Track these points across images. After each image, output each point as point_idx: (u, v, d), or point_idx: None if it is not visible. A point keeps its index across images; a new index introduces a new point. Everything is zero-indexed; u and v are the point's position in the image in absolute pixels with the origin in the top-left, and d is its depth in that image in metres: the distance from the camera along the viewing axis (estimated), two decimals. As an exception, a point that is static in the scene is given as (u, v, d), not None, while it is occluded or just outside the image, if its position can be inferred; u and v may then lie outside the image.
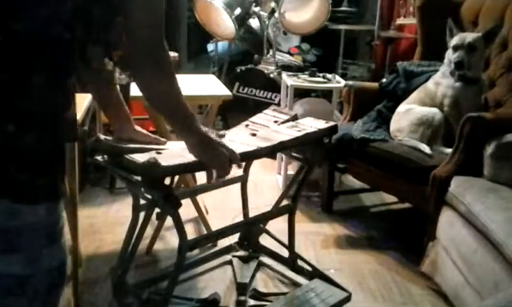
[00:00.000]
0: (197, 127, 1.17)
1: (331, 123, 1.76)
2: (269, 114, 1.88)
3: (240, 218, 2.06)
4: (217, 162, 1.22)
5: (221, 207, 2.60)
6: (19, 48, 0.80)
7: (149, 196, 1.44)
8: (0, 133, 0.79)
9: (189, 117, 1.16)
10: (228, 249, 2.09)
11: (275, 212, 1.93)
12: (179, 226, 1.44)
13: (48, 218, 0.89)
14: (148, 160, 1.23)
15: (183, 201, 1.40)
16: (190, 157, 1.25)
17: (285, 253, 2.01)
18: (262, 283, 2.00)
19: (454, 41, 2.26)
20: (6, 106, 0.80)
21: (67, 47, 0.87)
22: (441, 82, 2.32)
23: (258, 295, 1.86)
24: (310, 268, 1.94)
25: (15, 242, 0.85)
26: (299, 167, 1.94)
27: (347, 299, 1.81)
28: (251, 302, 1.82)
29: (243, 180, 2.07)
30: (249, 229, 2.02)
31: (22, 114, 0.81)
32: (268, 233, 2.03)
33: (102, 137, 1.42)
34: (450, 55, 2.27)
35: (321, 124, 1.75)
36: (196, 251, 2.02)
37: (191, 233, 2.40)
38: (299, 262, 1.97)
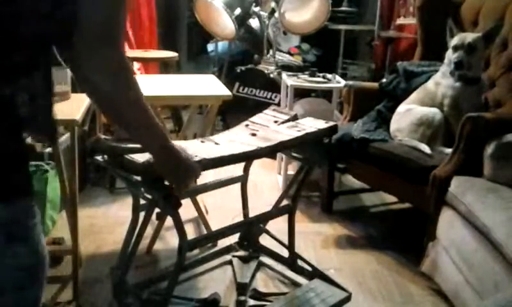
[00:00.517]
0: (162, 141, 1.04)
1: (331, 123, 1.76)
2: (269, 114, 1.88)
3: (240, 218, 2.06)
4: (181, 177, 1.16)
5: (221, 207, 2.60)
6: None
7: (149, 196, 1.44)
8: None
9: (151, 128, 1.00)
10: (228, 249, 2.09)
11: (275, 212, 1.93)
12: (179, 226, 1.44)
13: (6, 216, 0.85)
14: (147, 160, 1.23)
15: (183, 201, 1.40)
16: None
17: (285, 253, 2.01)
18: (262, 283, 2.00)
19: (454, 41, 2.26)
20: None
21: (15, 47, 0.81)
22: (441, 82, 2.32)
23: (258, 295, 1.86)
24: (310, 269, 1.94)
25: None
26: (299, 168, 1.94)
27: (347, 299, 1.81)
28: (251, 302, 1.82)
29: (243, 180, 2.07)
30: (249, 229, 2.02)
31: None
32: (268, 233, 2.04)
33: (102, 137, 1.41)
34: (450, 55, 2.27)
35: (321, 124, 1.75)
36: (196, 251, 2.03)
37: (190, 233, 2.40)
38: (299, 262, 1.97)
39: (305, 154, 1.81)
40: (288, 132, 1.65)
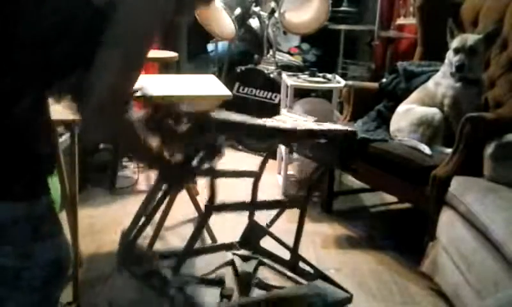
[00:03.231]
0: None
1: (352, 128, 1.80)
2: (286, 115, 1.90)
3: (244, 214, 2.04)
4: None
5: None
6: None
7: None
8: None
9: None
10: (229, 247, 2.09)
11: (288, 202, 1.91)
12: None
13: (31, 214, 0.92)
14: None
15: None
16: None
17: (286, 254, 2.00)
18: (264, 280, 1.99)
19: (455, 43, 2.26)
20: None
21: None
22: (441, 82, 2.32)
23: (263, 285, 1.86)
24: (311, 271, 1.92)
25: (4, 236, 0.90)
26: (314, 168, 1.96)
27: (349, 300, 1.81)
28: (256, 290, 1.81)
29: (257, 177, 2.08)
30: (253, 227, 2.01)
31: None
32: (271, 235, 2.03)
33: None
34: (450, 57, 2.27)
35: (341, 127, 1.80)
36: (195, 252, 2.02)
37: (191, 232, 2.40)
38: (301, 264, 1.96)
39: (321, 155, 1.81)
40: (314, 126, 1.68)
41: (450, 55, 2.28)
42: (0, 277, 0.91)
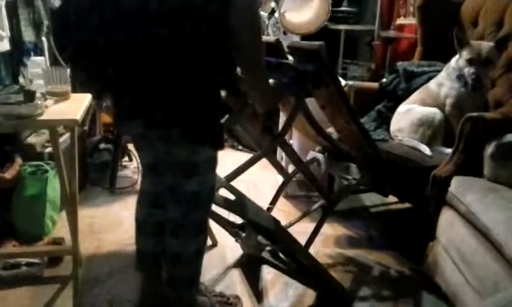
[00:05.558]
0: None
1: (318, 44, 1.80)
2: None
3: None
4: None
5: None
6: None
7: None
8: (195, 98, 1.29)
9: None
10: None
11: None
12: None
13: (212, 155, 1.45)
14: None
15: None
16: None
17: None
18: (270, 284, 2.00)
19: (468, 53, 2.18)
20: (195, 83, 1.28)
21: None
22: (444, 83, 2.31)
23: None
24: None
25: (195, 170, 1.42)
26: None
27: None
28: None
29: (287, 178, 2.22)
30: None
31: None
32: (272, 251, 2.03)
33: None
34: (462, 65, 2.22)
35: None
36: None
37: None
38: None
39: (289, 86, 1.82)
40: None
41: (461, 63, 2.22)
42: (189, 198, 1.46)
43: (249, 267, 2.11)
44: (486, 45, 2.20)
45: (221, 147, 1.42)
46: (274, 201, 2.20)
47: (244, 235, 1.98)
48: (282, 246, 1.86)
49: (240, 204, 1.63)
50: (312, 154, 2.33)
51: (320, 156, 2.32)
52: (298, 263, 1.90)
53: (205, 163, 1.43)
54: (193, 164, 1.41)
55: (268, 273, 2.07)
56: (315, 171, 2.37)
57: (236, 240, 2.10)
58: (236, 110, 1.72)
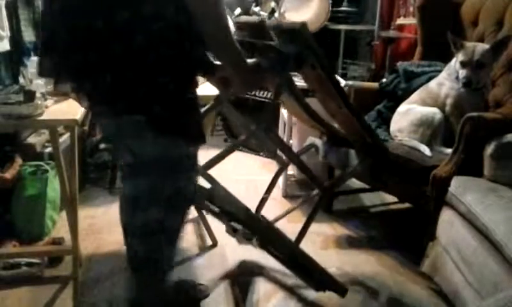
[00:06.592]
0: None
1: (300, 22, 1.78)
2: None
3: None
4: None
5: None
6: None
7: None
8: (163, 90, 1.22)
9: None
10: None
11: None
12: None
13: (189, 152, 1.38)
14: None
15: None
16: None
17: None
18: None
19: (461, 56, 2.19)
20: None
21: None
22: (445, 83, 2.30)
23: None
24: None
25: (171, 170, 1.34)
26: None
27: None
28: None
29: (282, 165, 2.18)
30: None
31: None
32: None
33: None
34: (457, 67, 2.22)
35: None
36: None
37: (190, 232, 2.40)
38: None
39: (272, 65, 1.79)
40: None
41: (457, 65, 2.23)
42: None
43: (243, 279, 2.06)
44: (480, 47, 2.19)
45: (198, 141, 1.33)
46: (268, 191, 2.16)
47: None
48: (261, 237, 1.80)
49: (216, 193, 1.58)
50: (310, 140, 2.32)
51: (318, 141, 2.31)
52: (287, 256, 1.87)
53: (181, 161, 1.34)
54: (169, 163, 1.32)
55: (263, 286, 2.03)
56: (313, 157, 2.37)
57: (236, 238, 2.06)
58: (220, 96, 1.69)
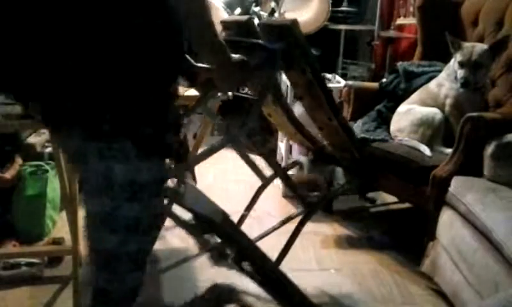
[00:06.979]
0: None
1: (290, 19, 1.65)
2: None
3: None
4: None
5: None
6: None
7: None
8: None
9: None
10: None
11: None
12: None
13: (161, 175, 1.23)
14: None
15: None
16: None
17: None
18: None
19: (459, 56, 2.19)
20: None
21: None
22: (444, 83, 2.30)
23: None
24: None
25: (138, 193, 1.18)
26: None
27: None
28: None
29: (265, 184, 1.99)
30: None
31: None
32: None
33: None
34: (456, 68, 2.23)
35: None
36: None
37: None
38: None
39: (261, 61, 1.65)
40: None
41: (455, 65, 2.23)
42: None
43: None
44: (479, 48, 2.18)
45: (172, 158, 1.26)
46: (248, 208, 2.03)
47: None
48: (238, 250, 1.69)
49: (186, 193, 1.46)
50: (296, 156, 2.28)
51: (303, 158, 2.26)
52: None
53: (151, 184, 1.17)
54: (136, 185, 1.14)
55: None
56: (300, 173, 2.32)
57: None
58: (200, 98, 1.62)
